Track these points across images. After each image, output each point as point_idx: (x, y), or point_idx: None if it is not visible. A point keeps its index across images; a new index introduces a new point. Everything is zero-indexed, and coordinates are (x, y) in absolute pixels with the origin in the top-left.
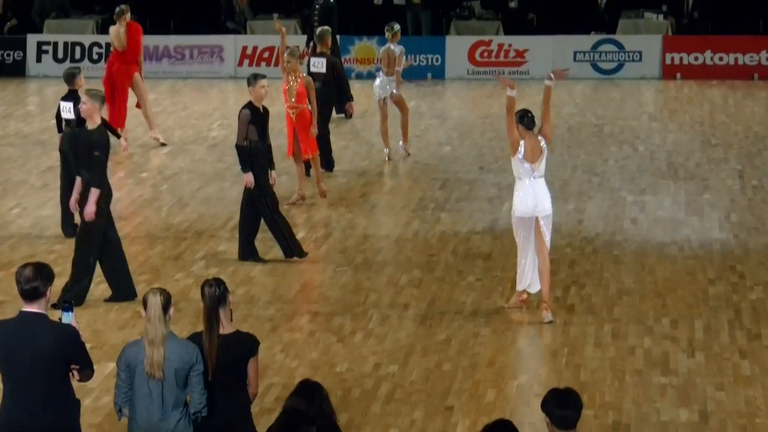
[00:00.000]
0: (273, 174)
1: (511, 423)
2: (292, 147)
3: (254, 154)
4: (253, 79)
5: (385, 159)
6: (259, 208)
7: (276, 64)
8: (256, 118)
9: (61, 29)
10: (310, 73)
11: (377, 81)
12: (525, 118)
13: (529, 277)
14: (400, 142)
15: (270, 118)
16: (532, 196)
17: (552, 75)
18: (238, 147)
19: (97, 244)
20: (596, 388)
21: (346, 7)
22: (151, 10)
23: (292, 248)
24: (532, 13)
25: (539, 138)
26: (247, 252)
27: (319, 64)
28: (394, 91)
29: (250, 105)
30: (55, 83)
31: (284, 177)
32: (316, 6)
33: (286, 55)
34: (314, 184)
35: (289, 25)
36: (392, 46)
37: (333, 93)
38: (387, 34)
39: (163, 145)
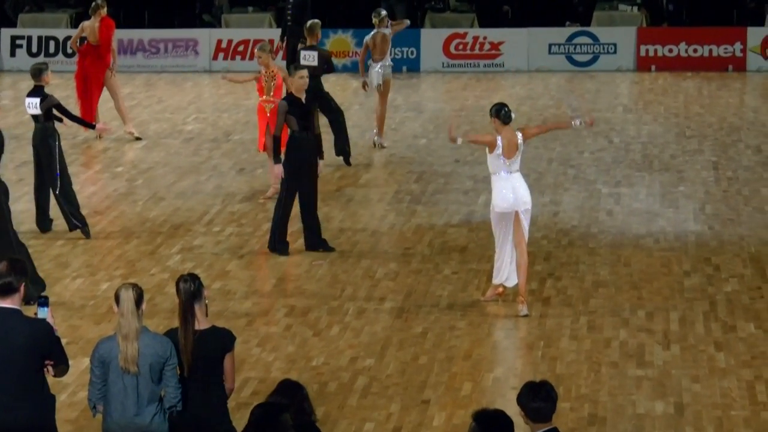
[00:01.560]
0: (320, 164)
1: (506, 414)
2: (264, 141)
3: (297, 144)
4: (293, 70)
5: (367, 147)
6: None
7: (251, 58)
8: (294, 108)
9: (35, 23)
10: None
11: (375, 68)
12: (501, 112)
13: (506, 272)
14: (374, 131)
15: (245, 111)
16: (511, 191)
17: (581, 122)
18: (273, 137)
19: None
20: (572, 381)
21: (321, 1)
22: (126, 3)
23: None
24: (507, 5)
25: (516, 133)
26: (276, 244)
27: (310, 57)
28: (380, 80)
29: (289, 96)
30: (29, 78)
31: (260, 170)
32: (290, 0)
33: (256, 50)
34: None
35: (263, 17)
36: (382, 30)
37: (322, 86)
38: (374, 20)
39: (137, 139)
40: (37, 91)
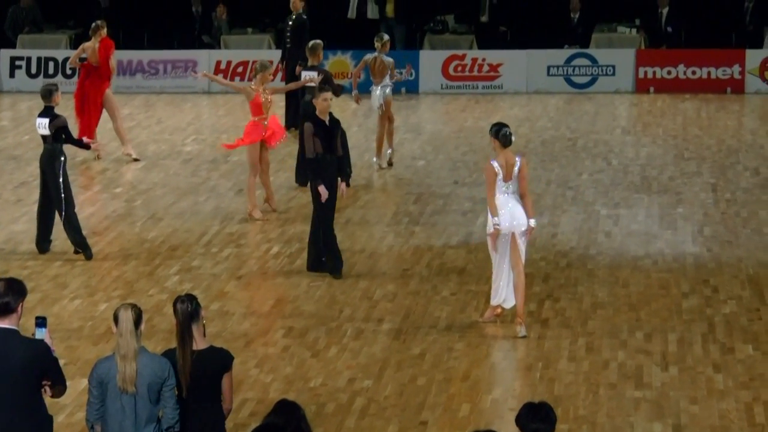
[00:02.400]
0: (342, 186)
1: None
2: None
3: (321, 165)
4: (318, 92)
5: (365, 168)
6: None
7: (249, 79)
8: (319, 130)
9: (34, 44)
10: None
11: (376, 91)
12: (500, 134)
13: (504, 293)
14: (374, 158)
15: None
16: (508, 212)
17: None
18: (306, 160)
19: None
20: (570, 402)
21: (320, 22)
22: (125, 24)
23: (327, 264)
24: (505, 26)
25: (517, 158)
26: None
27: (312, 78)
28: (383, 100)
29: (313, 117)
30: (29, 98)
31: (258, 191)
32: (289, 22)
33: (257, 67)
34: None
35: (263, 39)
36: (383, 57)
37: None
38: (377, 44)
39: (135, 160)
40: (47, 112)
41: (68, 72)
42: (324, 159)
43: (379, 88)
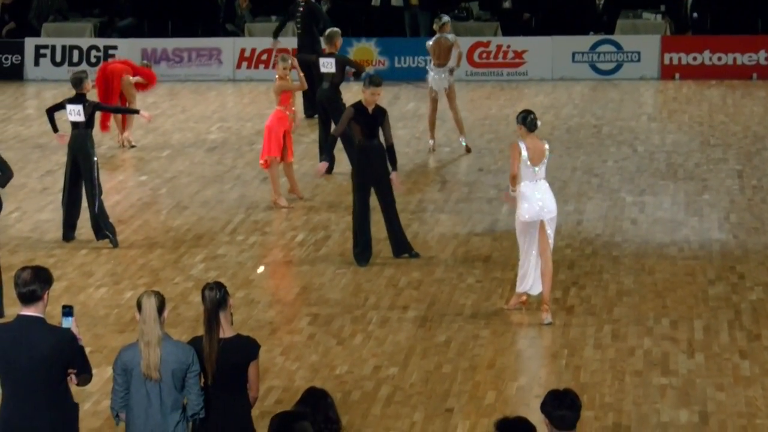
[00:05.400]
0: (393, 175)
1: (529, 421)
2: (270, 155)
3: (363, 153)
4: (368, 84)
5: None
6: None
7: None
8: (359, 116)
9: (58, 32)
10: (319, 74)
11: (431, 74)
12: (527, 119)
13: (531, 280)
14: (460, 138)
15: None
16: (538, 199)
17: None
18: (330, 137)
19: None
20: (596, 390)
21: (344, 9)
22: (150, 13)
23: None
24: (529, 13)
25: (543, 142)
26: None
27: (328, 65)
28: (446, 85)
29: (357, 103)
30: (53, 87)
31: (283, 179)
32: (299, 8)
33: (279, 61)
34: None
35: (287, 27)
36: (445, 36)
37: (340, 95)
38: (435, 26)
39: (132, 146)
40: (79, 99)
41: (93, 60)
42: (366, 145)
43: (438, 70)
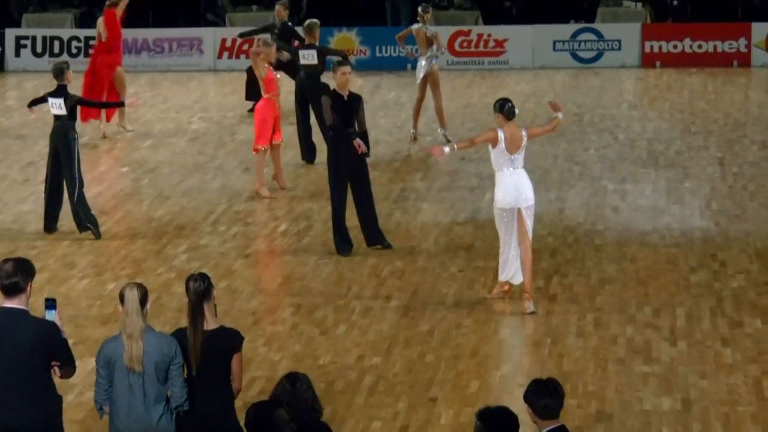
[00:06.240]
0: (367, 161)
1: (510, 410)
2: (263, 140)
3: (339, 140)
4: (336, 66)
5: (375, 144)
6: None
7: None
8: (336, 104)
9: (39, 23)
10: (300, 65)
11: (421, 62)
12: (505, 107)
13: (513, 269)
14: (439, 129)
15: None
16: (514, 187)
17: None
18: (326, 129)
19: None
20: (579, 378)
21: None
22: (130, 3)
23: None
24: (510, 1)
25: (521, 129)
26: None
27: (309, 56)
28: (423, 74)
29: (332, 91)
30: (34, 78)
31: (266, 169)
32: (275, 30)
33: (261, 45)
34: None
35: (267, 15)
36: (424, 27)
37: (320, 84)
38: (424, 15)
39: (129, 131)
40: (60, 91)
41: (74, 51)
42: (342, 133)
43: (424, 59)
